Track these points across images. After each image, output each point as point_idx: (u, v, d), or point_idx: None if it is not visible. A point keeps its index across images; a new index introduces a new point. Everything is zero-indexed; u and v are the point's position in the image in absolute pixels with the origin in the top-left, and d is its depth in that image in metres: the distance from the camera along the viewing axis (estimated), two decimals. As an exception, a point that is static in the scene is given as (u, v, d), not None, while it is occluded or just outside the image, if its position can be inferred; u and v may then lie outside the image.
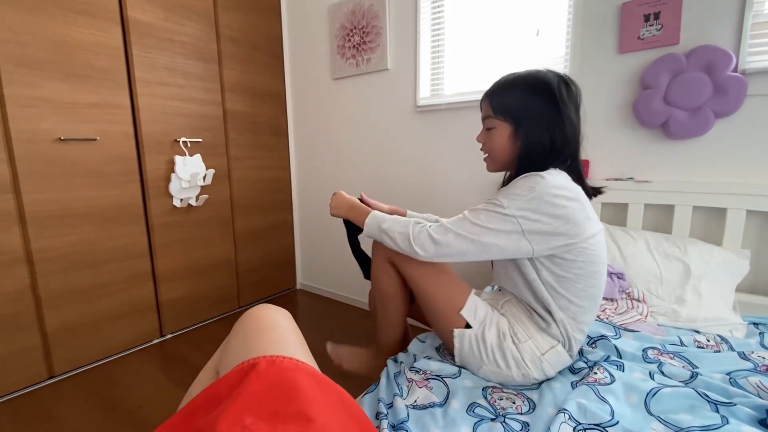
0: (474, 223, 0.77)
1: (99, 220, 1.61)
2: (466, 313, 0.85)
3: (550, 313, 0.80)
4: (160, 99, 1.74)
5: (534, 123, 0.79)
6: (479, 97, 1.65)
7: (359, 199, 1.14)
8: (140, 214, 1.74)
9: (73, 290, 1.56)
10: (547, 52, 1.54)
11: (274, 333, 0.58)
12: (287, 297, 2.47)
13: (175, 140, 1.81)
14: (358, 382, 1.41)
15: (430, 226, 0.82)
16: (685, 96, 1.23)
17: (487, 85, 1.71)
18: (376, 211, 0.93)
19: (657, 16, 1.27)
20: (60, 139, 1.47)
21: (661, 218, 1.36)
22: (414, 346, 0.95)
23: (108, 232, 1.64)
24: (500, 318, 0.85)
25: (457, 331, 0.84)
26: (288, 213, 2.49)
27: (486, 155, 0.91)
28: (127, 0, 1.60)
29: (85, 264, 1.59)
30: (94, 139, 1.56)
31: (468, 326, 0.84)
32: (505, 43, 1.63)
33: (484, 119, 0.87)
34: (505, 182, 0.92)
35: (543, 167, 0.79)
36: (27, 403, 1.42)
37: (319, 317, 2.16)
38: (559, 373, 0.83)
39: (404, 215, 1.16)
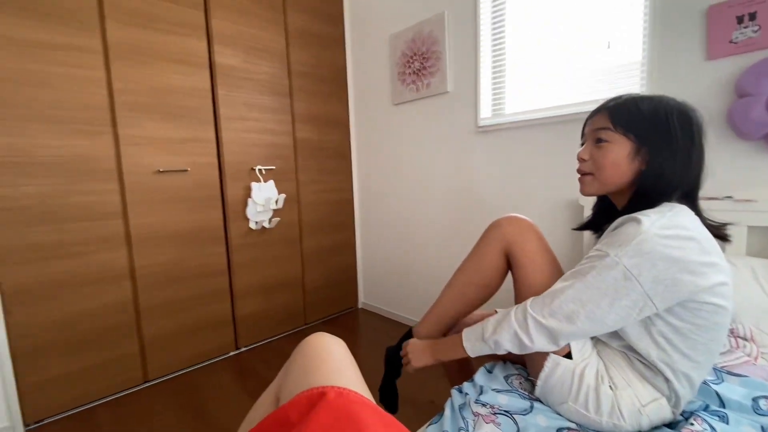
0: (585, 287, 0.68)
1: (187, 241, 1.80)
2: (577, 341, 0.77)
3: (656, 366, 0.71)
4: (239, 132, 1.94)
5: (662, 145, 0.70)
6: (544, 114, 1.61)
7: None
8: (221, 236, 1.92)
9: (166, 303, 1.76)
10: (620, 63, 1.44)
11: (333, 362, 0.59)
12: (349, 316, 2.53)
13: (252, 168, 1.99)
14: (420, 413, 1.39)
15: (530, 305, 0.74)
16: (794, 103, 1.08)
17: (552, 102, 1.65)
18: (465, 330, 0.84)
19: (753, 16, 1.14)
20: (159, 171, 1.70)
21: (769, 242, 1.18)
22: (480, 376, 0.92)
23: (194, 252, 1.83)
24: (597, 359, 0.77)
25: (553, 356, 0.77)
26: (351, 233, 2.58)
27: (586, 174, 0.79)
28: (215, 47, 1.83)
29: (176, 280, 1.78)
30: (186, 170, 1.77)
31: (567, 356, 0.77)
32: (571, 58, 1.56)
33: (594, 130, 0.77)
34: (595, 220, 0.85)
35: (660, 198, 0.71)
36: (126, 404, 1.60)
37: (379, 337, 2.18)
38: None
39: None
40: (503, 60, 1.74)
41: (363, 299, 2.67)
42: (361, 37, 2.39)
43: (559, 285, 0.73)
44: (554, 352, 0.78)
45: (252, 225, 1.99)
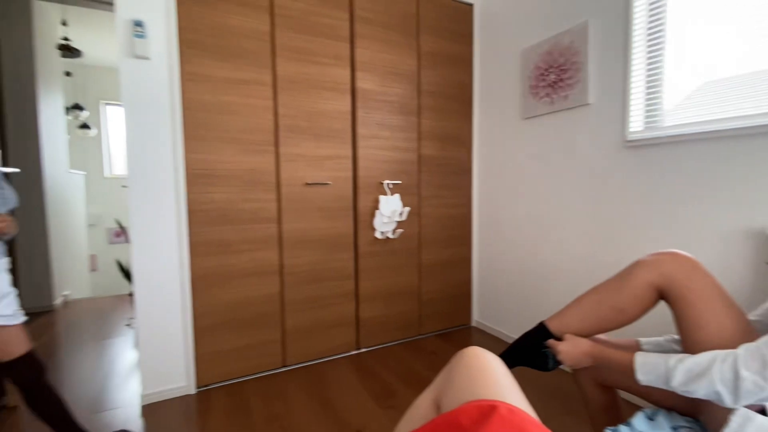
0: None
1: (324, 246, 2.02)
2: None
3: None
4: (372, 149, 2.11)
5: None
6: (719, 126, 1.36)
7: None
8: (351, 243, 2.10)
9: (304, 299, 1.99)
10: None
11: (498, 378, 0.61)
12: (462, 333, 2.49)
13: (380, 182, 2.14)
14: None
15: (744, 364, 0.64)
16: None
17: (731, 112, 1.40)
18: (639, 359, 0.77)
19: None
20: (307, 183, 1.95)
21: None
22: (640, 422, 0.82)
23: (329, 256, 2.04)
24: None
25: (743, 410, 0.66)
26: (467, 248, 2.55)
27: None
28: (357, 74, 2.04)
29: (313, 280, 2.01)
30: (327, 184, 2.00)
31: (762, 411, 0.67)
32: (759, 59, 1.31)
33: None
34: None
35: None
36: (267, 383, 1.85)
37: (496, 360, 2.09)
38: None
39: (635, 345, 0.98)
40: (660, 66, 1.55)
41: (476, 317, 2.61)
42: (490, 53, 2.39)
43: None
44: (746, 405, 0.66)
45: (377, 234, 2.13)
